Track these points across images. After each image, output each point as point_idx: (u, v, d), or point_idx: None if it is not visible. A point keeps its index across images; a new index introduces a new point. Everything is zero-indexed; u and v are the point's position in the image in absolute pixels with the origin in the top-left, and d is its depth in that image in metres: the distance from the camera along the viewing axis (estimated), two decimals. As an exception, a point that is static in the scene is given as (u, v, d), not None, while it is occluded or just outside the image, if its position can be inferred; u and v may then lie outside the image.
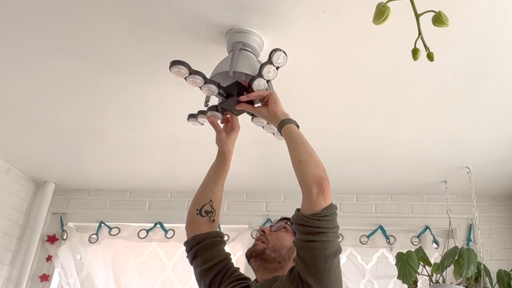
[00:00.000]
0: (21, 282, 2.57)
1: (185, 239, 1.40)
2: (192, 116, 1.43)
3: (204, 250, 1.34)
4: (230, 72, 1.28)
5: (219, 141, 1.42)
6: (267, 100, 1.29)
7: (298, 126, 1.25)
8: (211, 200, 1.39)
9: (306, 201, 1.09)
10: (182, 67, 1.26)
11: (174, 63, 1.26)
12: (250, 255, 1.29)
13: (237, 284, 1.29)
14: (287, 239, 1.30)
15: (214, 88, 1.28)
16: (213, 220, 1.39)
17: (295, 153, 1.16)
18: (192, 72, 1.27)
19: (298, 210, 1.13)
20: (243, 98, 1.28)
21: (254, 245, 1.31)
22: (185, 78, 1.28)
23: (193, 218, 1.39)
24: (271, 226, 1.37)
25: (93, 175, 2.70)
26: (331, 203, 1.09)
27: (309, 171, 1.10)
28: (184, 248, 1.41)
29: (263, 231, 1.33)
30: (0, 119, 2.07)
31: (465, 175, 2.34)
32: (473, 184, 2.32)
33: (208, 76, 1.36)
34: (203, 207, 1.39)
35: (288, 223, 1.34)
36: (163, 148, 2.28)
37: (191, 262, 1.37)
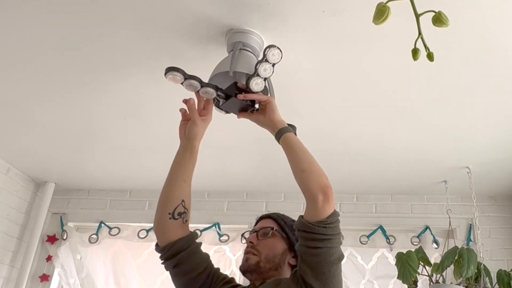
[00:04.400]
0: (21, 282, 2.57)
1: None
2: (215, 105, 1.39)
3: (188, 257, 1.25)
4: (230, 72, 1.28)
5: (192, 128, 1.30)
6: (264, 106, 1.30)
7: (295, 133, 1.26)
8: (183, 201, 1.28)
9: (311, 208, 1.11)
10: (176, 73, 1.24)
11: (169, 69, 1.24)
12: (246, 271, 1.27)
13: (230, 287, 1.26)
14: (278, 245, 1.29)
15: (211, 91, 1.28)
16: (186, 221, 1.28)
17: (297, 161, 1.17)
18: (188, 77, 1.25)
19: (301, 217, 1.14)
20: (241, 97, 1.28)
21: (246, 259, 1.28)
22: (181, 84, 1.27)
23: (165, 223, 1.25)
24: (256, 232, 1.32)
25: (93, 175, 2.70)
26: (335, 210, 1.11)
27: (313, 180, 1.12)
28: None
29: (251, 242, 1.30)
30: (0, 119, 2.07)
31: (465, 175, 2.34)
32: (473, 184, 2.32)
33: (208, 76, 1.37)
34: (176, 209, 1.26)
35: (275, 228, 1.32)
36: (163, 148, 2.28)
37: (171, 270, 1.27)
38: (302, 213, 1.15)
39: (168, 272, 1.32)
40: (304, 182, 1.13)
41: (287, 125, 1.26)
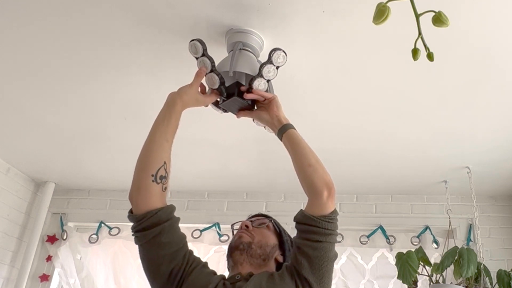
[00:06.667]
0: (21, 282, 2.57)
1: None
2: (214, 104, 1.39)
3: (170, 229, 1.15)
4: (230, 72, 1.28)
5: (185, 88, 1.26)
6: (268, 103, 1.31)
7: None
8: (165, 162, 1.17)
9: (315, 203, 1.14)
10: (199, 45, 1.27)
11: (196, 39, 1.28)
12: (236, 247, 1.24)
13: (209, 272, 1.20)
14: (271, 238, 1.30)
15: (216, 79, 1.27)
16: (165, 189, 1.18)
17: (304, 156, 1.19)
18: (205, 54, 1.28)
19: (302, 211, 1.16)
20: (249, 96, 1.28)
21: (239, 236, 1.27)
22: (196, 58, 1.29)
23: (147, 187, 1.14)
24: (251, 221, 1.33)
25: (93, 175, 2.70)
26: (335, 209, 1.16)
27: (319, 175, 1.15)
28: None
29: (246, 226, 1.30)
30: (0, 119, 2.07)
31: (465, 175, 2.34)
32: (473, 184, 2.32)
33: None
34: (158, 171, 1.15)
35: (273, 221, 1.34)
36: (163, 148, 2.28)
37: (148, 242, 1.14)
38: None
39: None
40: (309, 176, 1.15)
41: (290, 123, 1.28)
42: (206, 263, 1.23)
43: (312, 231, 1.12)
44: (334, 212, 1.14)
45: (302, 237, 1.14)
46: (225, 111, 1.39)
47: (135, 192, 1.16)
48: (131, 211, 1.17)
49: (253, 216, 1.39)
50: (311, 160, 1.18)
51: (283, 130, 1.25)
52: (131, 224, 1.17)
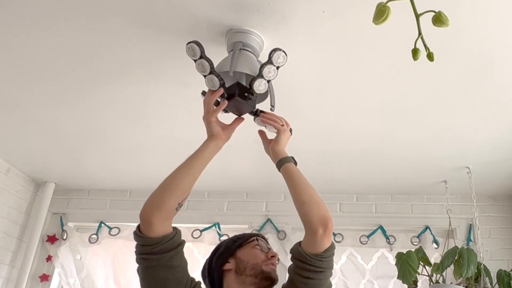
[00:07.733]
0: (21, 282, 2.57)
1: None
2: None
3: (181, 253, 1.17)
4: (230, 72, 1.28)
5: (227, 135, 1.39)
6: (277, 131, 1.34)
7: (296, 163, 1.29)
8: (188, 194, 1.22)
9: (309, 240, 1.13)
10: (196, 47, 1.26)
11: (192, 41, 1.27)
12: (274, 280, 1.28)
13: None
14: None
15: (215, 81, 1.27)
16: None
17: (298, 193, 1.20)
18: (203, 56, 1.27)
19: (299, 244, 1.17)
20: (263, 120, 1.34)
21: (274, 270, 1.30)
22: (194, 60, 1.29)
23: (170, 212, 1.15)
24: (269, 248, 1.36)
25: (93, 175, 2.70)
26: (332, 243, 1.14)
27: (314, 212, 1.14)
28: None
29: (278, 258, 1.35)
30: (0, 119, 2.07)
31: (465, 175, 2.34)
32: (473, 184, 2.32)
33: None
34: (183, 200, 1.19)
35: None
36: (163, 148, 2.28)
37: (158, 265, 1.13)
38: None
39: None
40: (304, 214, 1.15)
41: (288, 156, 1.30)
42: (199, 282, 1.25)
43: (304, 268, 1.12)
44: (329, 248, 1.12)
45: (294, 271, 1.15)
46: (226, 111, 1.39)
47: (156, 212, 1.13)
48: (140, 231, 1.14)
49: (261, 237, 1.40)
50: (305, 197, 1.17)
51: (279, 165, 1.28)
52: (141, 245, 1.14)
